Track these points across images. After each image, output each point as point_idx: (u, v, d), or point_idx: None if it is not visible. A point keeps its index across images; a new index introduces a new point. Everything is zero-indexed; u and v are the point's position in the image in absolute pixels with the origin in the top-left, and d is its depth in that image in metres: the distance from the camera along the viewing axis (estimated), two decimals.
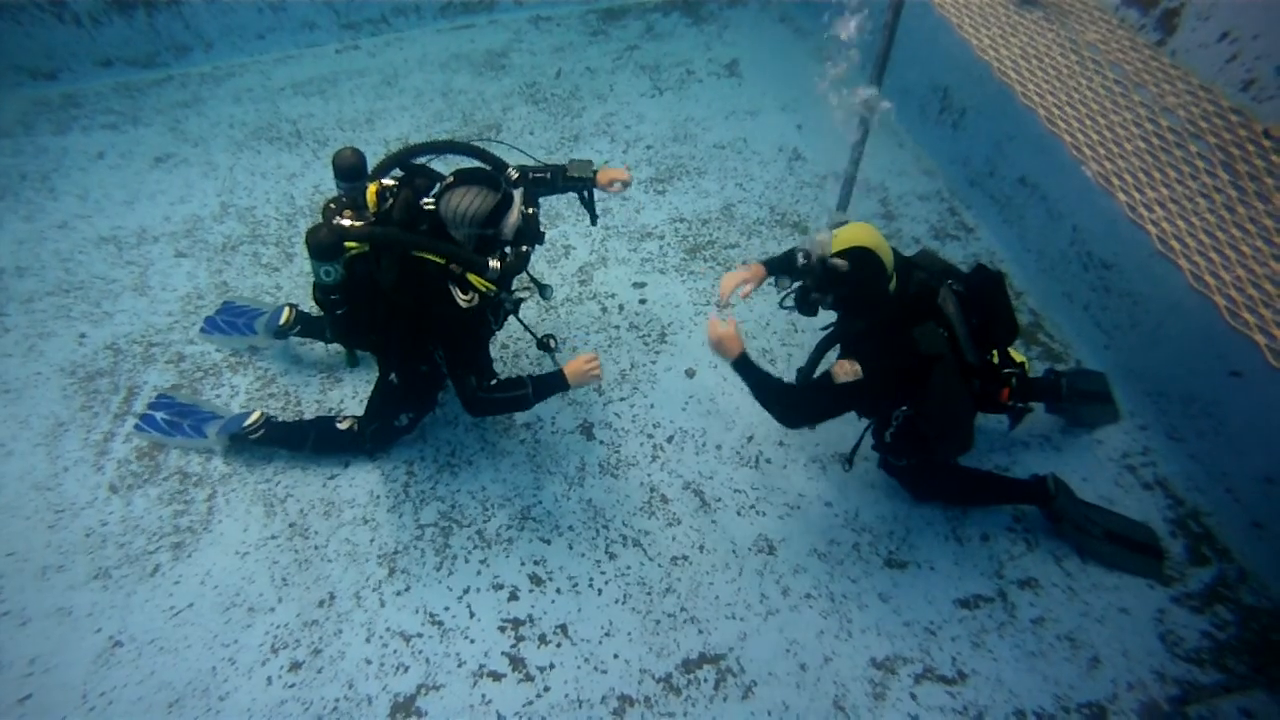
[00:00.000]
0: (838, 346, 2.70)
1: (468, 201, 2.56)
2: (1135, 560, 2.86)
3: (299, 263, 4.16)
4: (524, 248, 2.70)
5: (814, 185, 4.53)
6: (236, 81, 5.57)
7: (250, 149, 4.97)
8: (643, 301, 3.91)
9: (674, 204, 4.45)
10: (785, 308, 2.68)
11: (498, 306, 2.86)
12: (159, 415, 3.36)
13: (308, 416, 3.39)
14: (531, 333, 3.09)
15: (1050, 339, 3.63)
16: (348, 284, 2.62)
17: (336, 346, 3.43)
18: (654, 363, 3.63)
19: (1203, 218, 2.08)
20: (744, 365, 2.63)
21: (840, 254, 2.41)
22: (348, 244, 2.55)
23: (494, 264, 2.60)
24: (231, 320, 3.73)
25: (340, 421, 3.17)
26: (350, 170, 2.63)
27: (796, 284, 2.62)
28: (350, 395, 3.50)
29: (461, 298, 2.63)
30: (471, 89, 5.38)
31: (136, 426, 3.37)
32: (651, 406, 3.45)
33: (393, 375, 3.01)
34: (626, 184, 3.15)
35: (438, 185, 2.72)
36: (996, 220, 4.12)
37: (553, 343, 3.11)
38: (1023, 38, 2.79)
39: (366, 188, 2.67)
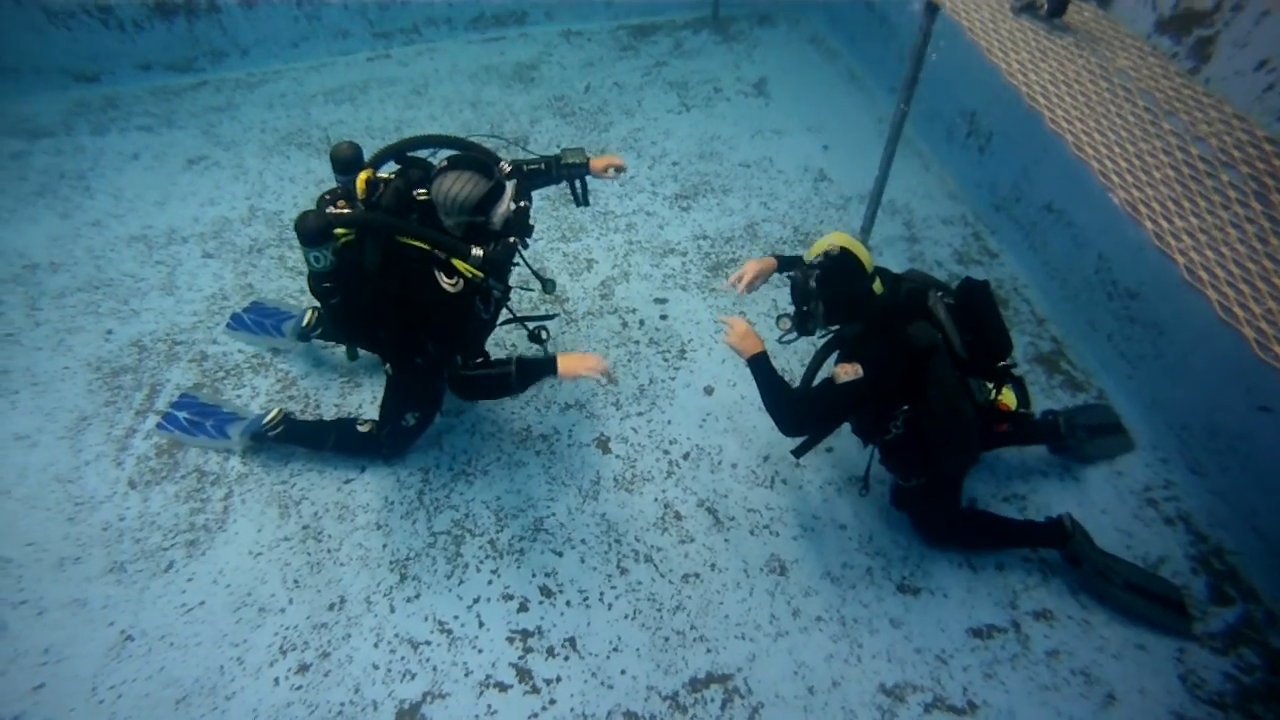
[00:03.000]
0: (834, 357, 2.69)
1: (459, 187, 2.56)
2: (1160, 613, 2.75)
3: None
4: (512, 239, 2.70)
5: (838, 207, 4.53)
6: (270, 87, 5.66)
7: (280, 154, 5.05)
8: (663, 317, 3.91)
9: (698, 221, 4.46)
10: (783, 342, 2.68)
11: (487, 294, 2.81)
12: (181, 415, 3.39)
13: (328, 419, 3.42)
14: (524, 325, 3.07)
15: (1072, 367, 3.59)
16: (339, 272, 2.63)
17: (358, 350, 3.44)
18: (673, 379, 3.62)
19: (1233, 248, 2.04)
20: (760, 364, 2.63)
21: (819, 257, 2.50)
22: (337, 230, 2.56)
23: (476, 251, 2.58)
24: (260, 320, 3.78)
25: (361, 424, 3.20)
26: (346, 162, 2.68)
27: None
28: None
29: (446, 282, 2.62)
30: (500, 100, 5.43)
31: (159, 425, 3.40)
32: (669, 422, 3.44)
33: (387, 367, 2.99)
34: (621, 169, 3.16)
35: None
36: (1021, 246, 4.09)
37: (544, 334, 3.08)
38: (1053, 63, 2.77)
39: (356, 179, 2.68)
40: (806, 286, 2.51)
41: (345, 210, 2.63)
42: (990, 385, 2.69)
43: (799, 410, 2.59)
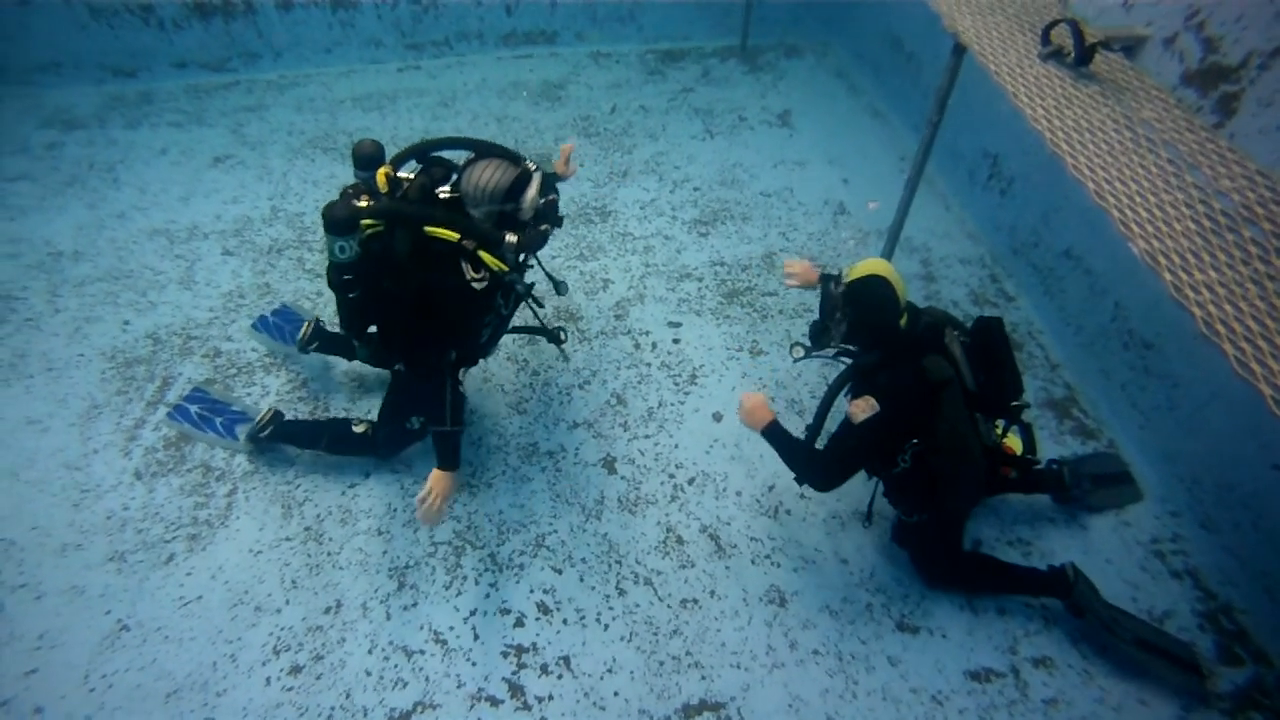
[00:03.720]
0: (845, 395, 2.69)
1: (489, 175, 2.60)
2: (1173, 671, 2.66)
3: None
4: (543, 227, 2.73)
5: (857, 240, 4.54)
6: (300, 91, 5.74)
7: (305, 157, 5.11)
8: (676, 341, 3.92)
9: (715, 247, 4.48)
10: (797, 360, 2.70)
11: (509, 290, 2.84)
12: (193, 408, 3.40)
13: (323, 419, 3.44)
14: (541, 322, 3.08)
15: (1084, 415, 3.58)
16: (361, 264, 2.62)
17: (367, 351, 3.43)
18: (682, 403, 3.62)
19: (1252, 304, 2.04)
20: (773, 432, 2.68)
21: (856, 280, 2.50)
22: (364, 222, 2.58)
23: (510, 237, 2.62)
24: (281, 325, 3.74)
25: (356, 425, 3.19)
26: (368, 159, 2.67)
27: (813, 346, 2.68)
28: (377, 407, 3.52)
29: (473, 275, 2.64)
30: (526, 117, 5.48)
31: (169, 415, 3.41)
32: (676, 447, 3.44)
33: (398, 367, 2.98)
34: (570, 149, 3.22)
35: (456, 173, 2.76)
36: (1037, 291, 4.09)
37: (563, 335, 3.11)
38: (1077, 110, 2.79)
39: (375, 176, 2.68)
40: (836, 302, 2.54)
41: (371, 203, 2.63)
42: (998, 427, 2.69)
43: (824, 461, 2.60)
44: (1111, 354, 3.54)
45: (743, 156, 5.20)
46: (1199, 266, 2.17)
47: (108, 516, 3.11)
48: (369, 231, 2.61)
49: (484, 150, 2.75)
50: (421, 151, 2.84)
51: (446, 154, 2.87)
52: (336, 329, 3.48)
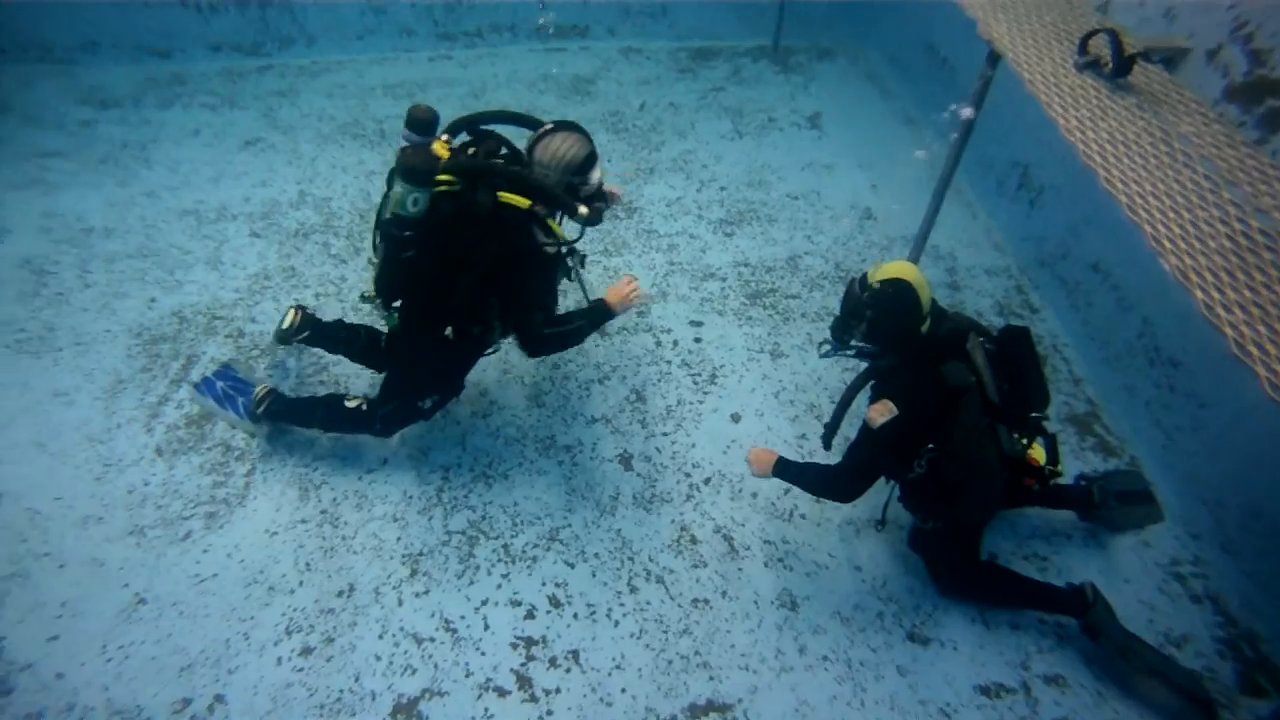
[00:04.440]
0: (863, 399, 2.69)
1: (567, 146, 2.63)
2: (1185, 709, 2.58)
3: (366, 257, 4.26)
4: (601, 204, 2.75)
5: (882, 246, 4.51)
6: (331, 77, 5.78)
7: (335, 142, 5.14)
8: (698, 340, 3.91)
9: (740, 248, 4.47)
10: (822, 355, 2.72)
11: (572, 256, 2.86)
12: (220, 384, 3.42)
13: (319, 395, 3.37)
14: (586, 294, 3.05)
15: (1106, 431, 3.53)
16: (427, 222, 2.58)
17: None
18: (701, 402, 3.61)
19: None
20: (783, 468, 2.75)
21: (881, 282, 2.48)
22: (440, 177, 2.56)
23: (583, 209, 2.63)
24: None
25: (349, 400, 3.11)
26: (424, 123, 2.66)
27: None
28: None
29: (545, 241, 2.70)
30: (556, 111, 5.49)
31: (195, 387, 3.44)
32: (693, 446, 3.43)
33: (449, 331, 2.86)
34: None
35: (529, 137, 2.76)
36: (1063, 304, 4.05)
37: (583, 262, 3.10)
38: (1112, 122, 2.75)
39: (433, 143, 2.67)
40: (858, 302, 2.53)
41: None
42: (1021, 437, 2.66)
43: (842, 473, 2.61)
44: (1137, 370, 3.49)
45: (771, 158, 5.18)
46: (1233, 285, 2.13)
47: (129, 491, 3.14)
48: (440, 189, 2.58)
49: (537, 126, 2.78)
50: (473, 123, 2.85)
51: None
52: (325, 320, 3.41)
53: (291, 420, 3.27)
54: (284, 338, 3.36)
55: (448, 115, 2.82)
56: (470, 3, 5.97)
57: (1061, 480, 2.84)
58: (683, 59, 6.19)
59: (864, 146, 5.30)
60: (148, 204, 4.56)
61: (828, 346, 2.69)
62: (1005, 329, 2.69)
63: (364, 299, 2.95)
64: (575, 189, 2.68)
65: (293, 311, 3.35)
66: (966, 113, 3.22)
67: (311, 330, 3.35)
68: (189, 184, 4.73)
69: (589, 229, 2.79)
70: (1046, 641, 2.84)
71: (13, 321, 3.80)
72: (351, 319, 3.83)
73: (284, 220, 4.51)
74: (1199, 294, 2.12)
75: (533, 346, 2.91)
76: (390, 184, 2.60)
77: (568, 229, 2.78)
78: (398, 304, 2.90)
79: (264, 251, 4.29)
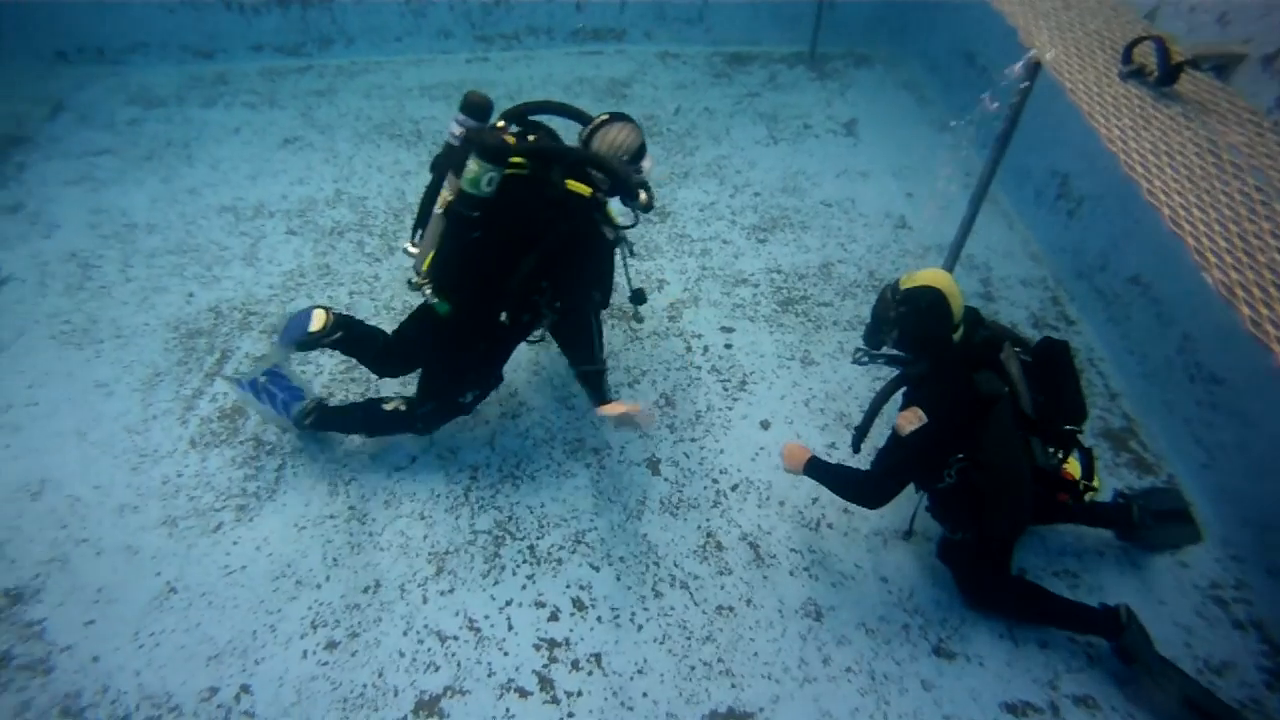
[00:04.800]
0: (893, 404, 2.67)
1: (625, 135, 2.74)
2: None
3: (400, 257, 4.30)
4: (652, 191, 2.82)
5: (916, 255, 4.46)
6: (369, 78, 5.86)
7: (371, 142, 5.21)
8: (728, 346, 3.90)
9: (773, 254, 4.44)
10: (856, 362, 2.71)
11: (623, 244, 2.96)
12: (261, 379, 3.19)
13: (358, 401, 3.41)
14: (629, 283, 3.11)
15: (1143, 448, 3.46)
16: (495, 203, 2.60)
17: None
18: (730, 409, 3.60)
19: None
20: (815, 467, 2.74)
21: (911, 289, 2.47)
22: (512, 159, 2.60)
23: (644, 195, 2.75)
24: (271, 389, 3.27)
25: (386, 403, 3.12)
26: (479, 109, 2.72)
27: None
28: None
29: (607, 228, 2.81)
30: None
31: (237, 384, 3.18)
32: (721, 452, 3.42)
33: (504, 316, 2.84)
34: None
35: (586, 127, 2.84)
36: (1100, 317, 3.97)
37: (644, 295, 3.18)
38: (1156, 132, 2.69)
39: (488, 128, 2.72)
40: (887, 309, 2.52)
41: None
42: (1057, 451, 2.61)
43: (870, 479, 2.60)
44: (1176, 386, 3.41)
45: (805, 164, 5.15)
46: None
47: (163, 481, 3.20)
48: (510, 171, 2.62)
49: (581, 121, 2.86)
50: (523, 114, 2.89)
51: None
52: (360, 321, 3.18)
53: (334, 428, 3.29)
54: (312, 342, 2.99)
55: None
56: (507, 5, 6.02)
57: (1098, 497, 2.77)
58: (718, 64, 6.19)
59: (900, 154, 5.25)
60: (189, 201, 4.65)
61: (861, 352, 2.67)
62: (1043, 341, 2.65)
63: (412, 285, 2.89)
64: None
65: (322, 313, 2.98)
66: (994, 105, 3.18)
67: (345, 331, 3.03)
68: (228, 181, 4.82)
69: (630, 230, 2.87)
70: (1077, 661, 2.78)
71: (59, 313, 3.90)
72: (383, 318, 3.90)
73: (320, 218, 4.57)
74: (1245, 309, 2.06)
75: (579, 312, 2.92)
76: (438, 170, 2.69)
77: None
78: (431, 287, 2.85)
79: (299, 249, 4.35)
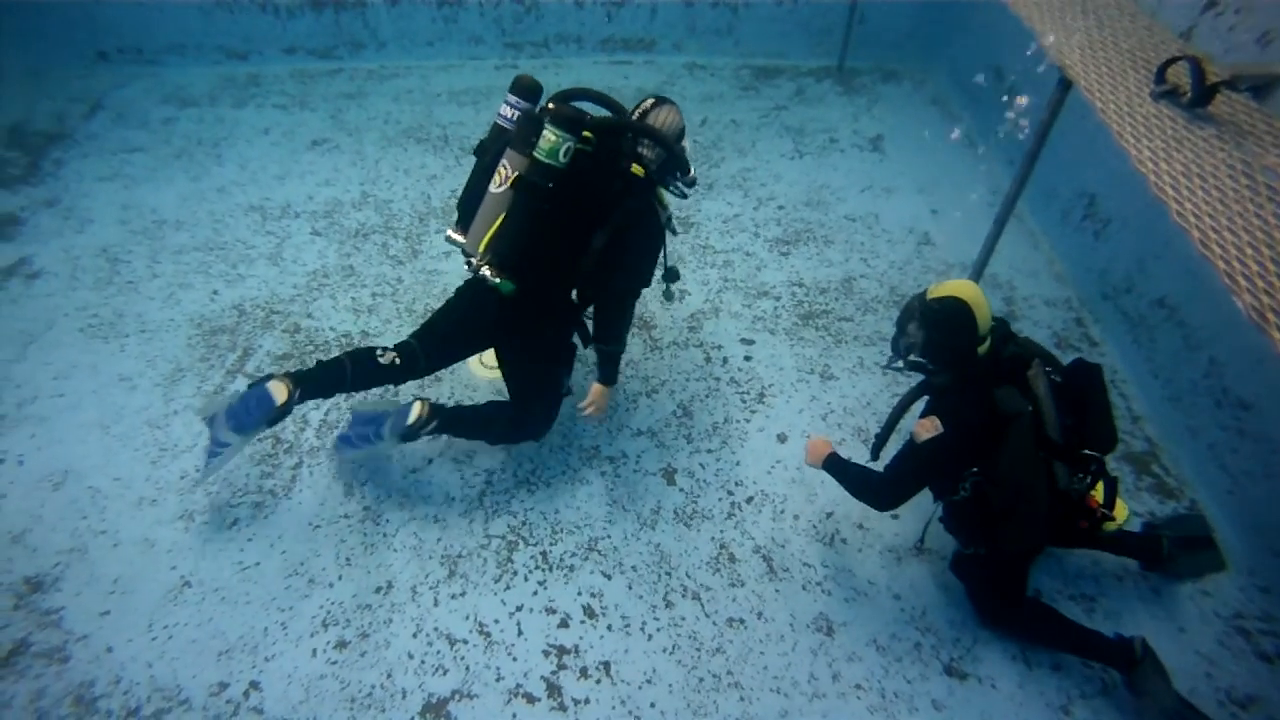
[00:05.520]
0: (912, 414, 2.67)
1: (673, 117, 2.87)
2: None
3: (424, 260, 4.33)
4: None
5: (939, 273, 4.43)
6: (399, 82, 5.92)
7: (399, 146, 5.25)
8: (748, 358, 3.88)
9: (795, 267, 4.43)
10: (888, 368, 2.70)
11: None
12: (353, 434, 3.17)
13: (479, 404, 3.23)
14: (664, 261, 3.11)
15: (1165, 472, 3.40)
16: (566, 177, 2.64)
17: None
18: (748, 421, 3.58)
19: None
20: (833, 463, 2.77)
21: (937, 299, 2.46)
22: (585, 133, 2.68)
23: (692, 170, 2.91)
24: (363, 433, 3.16)
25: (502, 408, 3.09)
26: (531, 91, 2.77)
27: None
28: (447, 393, 3.59)
29: (660, 208, 2.92)
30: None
31: (337, 448, 3.26)
32: (737, 464, 3.40)
33: (574, 294, 2.97)
34: None
35: (641, 106, 2.91)
36: (1125, 339, 3.92)
37: (678, 273, 3.19)
38: (1188, 153, 2.65)
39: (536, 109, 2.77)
40: (912, 318, 2.52)
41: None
42: (1085, 476, 2.56)
43: (887, 482, 2.60)
44: (1202, 411, 3.35)
45: (830, 178, 5.13)
46: None
47: (181, 476, 3.24)
48: (578, 146, 2.67)
49: (618, 108, 2.92)
50: (567, 98, 2.91)
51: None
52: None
53: (457, 432, 3.14)
54: (411, 435, 2.95)
55: None
56: (538, 12, 6.06)
57: (1128, 527, 2.70)
58: (746, 76, 6.19)
59: (925, 171, 5.22)
60: (217, 199, 4.72)
61: (889, 359, 2.66)
62: (1075, 362, 2.62)
63: (472, 268, 2.77)
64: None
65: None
66: (1021, 100, 3.17)
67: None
68: (256, 181, 4.89)
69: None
70: (1091, 686, 2.73)
71: (88, 307, 3.96)
72: (404, 320, 3.92)
73: (345, 220, 4.61)
74: (1276, 335, 2.02)
75: (625, 296, 2.99)
76: (485, 154, 2.79)
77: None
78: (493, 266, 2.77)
79: (324, 250, 4.40)
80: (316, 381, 2.87)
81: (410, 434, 2.92)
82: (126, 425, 3.42)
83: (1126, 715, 2.64)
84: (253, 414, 2.76)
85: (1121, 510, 2.64)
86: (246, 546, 3.02)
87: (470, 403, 3.41)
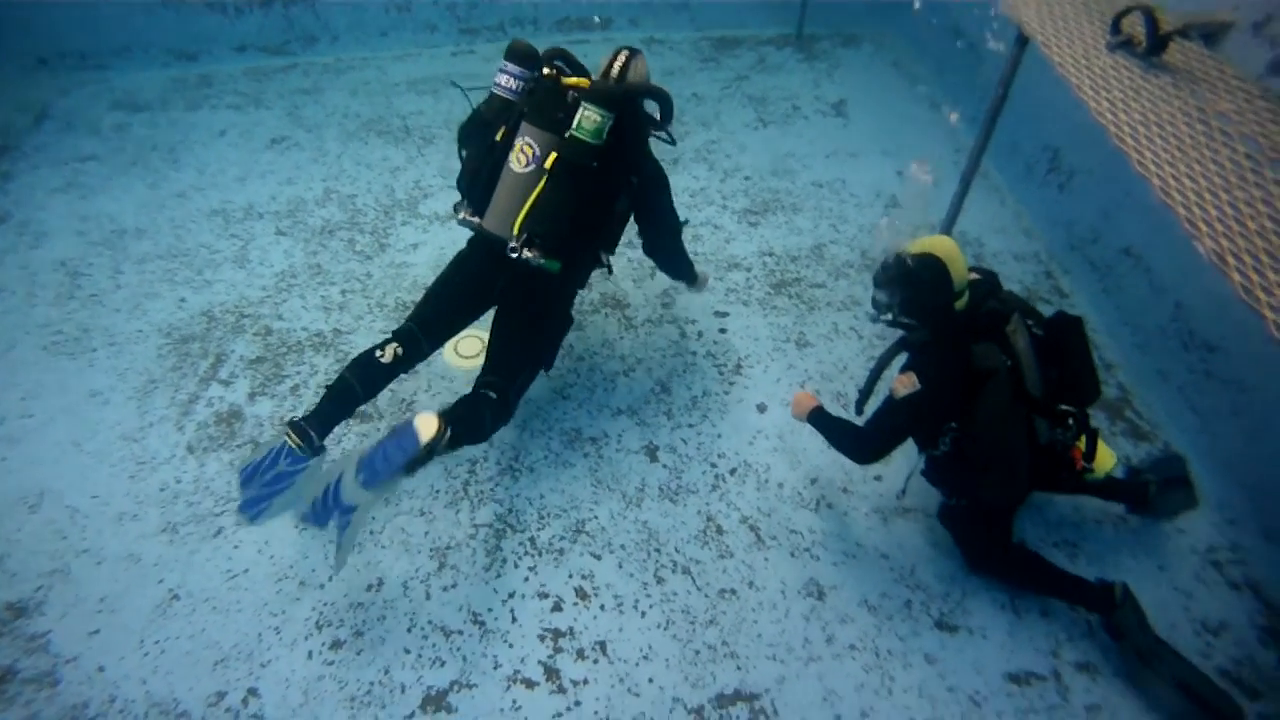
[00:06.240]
0: (894, 368, 2.70)
1: (645, 66, 2.91)
2: None
3: (391, 253, 4.29)
4: None
5: (909, 235, 4.44)
6: (355, 74, 5.82)
7: (359, 139, 5.18)
8: (723, 331, 3.89)
9: (765, 237, 4.43)
10: (875, 321, 2.71)
11: None
12: (332, 520, 2.55)
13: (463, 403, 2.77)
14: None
15: (1138, 416, 3.47)
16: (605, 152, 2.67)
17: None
18: (726, 393, 3.60)
19: None
20: (818, 416, 2.81)
21: (911, 256, 2.49)
22: None
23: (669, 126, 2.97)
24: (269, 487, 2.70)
25: (491, 393, 2.72)
26: (529, 57, 2.79)
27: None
28: (424, 388, 3.57)
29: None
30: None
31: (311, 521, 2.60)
32: (719, 436, 3.42)
33: (603, 257, 3.05)
34: None
35: (617, 59, 2.88)
36: (1094, 289, 3.97)
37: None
38: (1145, 103, 2.68)
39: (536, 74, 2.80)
40: (887, 275, 2.55)
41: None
42: (1066, 431, 2.60)
43: (867, 436, 2.64)
44: (1170, 355, 3.42)
45: (795, 146, 5.13)
46: (1274, 268, 2.07)
47: (161, 488, 3.20)
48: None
49: (580, 68, 2.94)
50: (552, 59, 2.91)
51: None
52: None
53: (468, 441, 2.70)
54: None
55: (470, 110, 2.90)
56: None
57: (1103, 474, 2.74)
58: (705, 49, 6.15)
59: (890, 134, 5.23)
60: (177, 205, 4.63)
61: (885, 316, 2.67)
62: (1056, 315, 2.64)
63: (512, 252, 2.66)
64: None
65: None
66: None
67: (319, 427, 2.70)
68: (216, 184, 4.80)
69: None
70: (1078, 629, 2.79)
71: (50, 323, 3.88)
72: (376, 316, 3.89)
73: (310, 218, 4.55)
74: (1236, 276, 2.06)
75: (677, 237, 3.29)
76: (493, 128, 2.79)
77: None
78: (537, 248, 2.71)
79: (290, 249, 4.34)
80: (330, 415, 2.73)
81: (424, 457, 2.43)
82: (101, 441, 3.37)
83: (1113, 651, 2.71)
84: (325, 508, 2.48)
85: (1109, 458, 2.69)
86: (233, 554, 3.00)
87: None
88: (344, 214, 4.58)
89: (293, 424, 2.68)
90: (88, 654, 2.72)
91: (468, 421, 2.62)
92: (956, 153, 4.98)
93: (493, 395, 2.71)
